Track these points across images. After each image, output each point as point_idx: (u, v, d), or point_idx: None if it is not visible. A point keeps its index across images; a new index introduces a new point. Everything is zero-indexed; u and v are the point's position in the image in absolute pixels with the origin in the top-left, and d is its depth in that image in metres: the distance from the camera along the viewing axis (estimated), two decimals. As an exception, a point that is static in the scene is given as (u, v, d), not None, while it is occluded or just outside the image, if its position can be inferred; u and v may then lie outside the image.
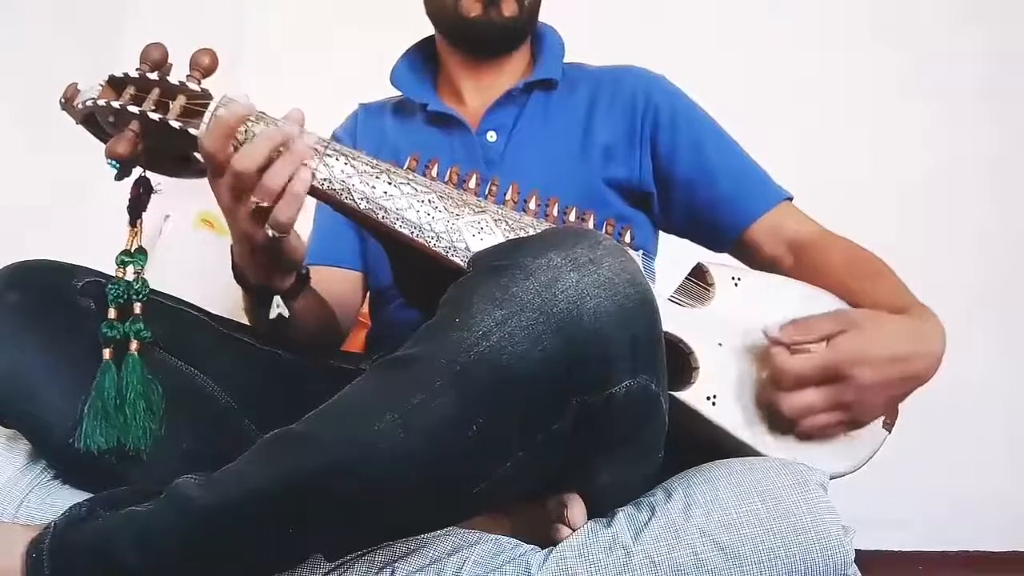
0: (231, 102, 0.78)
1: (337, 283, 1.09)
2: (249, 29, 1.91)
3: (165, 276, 0.91)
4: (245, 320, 0.95)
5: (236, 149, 0.76)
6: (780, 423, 0.80)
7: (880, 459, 0.84)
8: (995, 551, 1.77)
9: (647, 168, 1.07)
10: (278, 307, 0.87)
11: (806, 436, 0.80)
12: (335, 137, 1.19)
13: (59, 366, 0.76)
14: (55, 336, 0.77)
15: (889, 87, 1.88)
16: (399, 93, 1.15)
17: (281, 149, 0.76)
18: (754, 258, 1.04)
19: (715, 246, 1.10)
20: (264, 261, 0.83)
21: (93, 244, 1.02)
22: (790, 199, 1.05)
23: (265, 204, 0.75)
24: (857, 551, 0.72)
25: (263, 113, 0.80)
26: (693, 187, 1.06)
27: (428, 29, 1.16)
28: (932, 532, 1.77)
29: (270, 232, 0.77)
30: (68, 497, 0.74)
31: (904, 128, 1.86)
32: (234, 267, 0.88)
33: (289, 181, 0.76)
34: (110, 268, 0.80)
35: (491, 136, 1.08)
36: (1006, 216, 1.85)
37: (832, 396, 0.79)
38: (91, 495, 0.72)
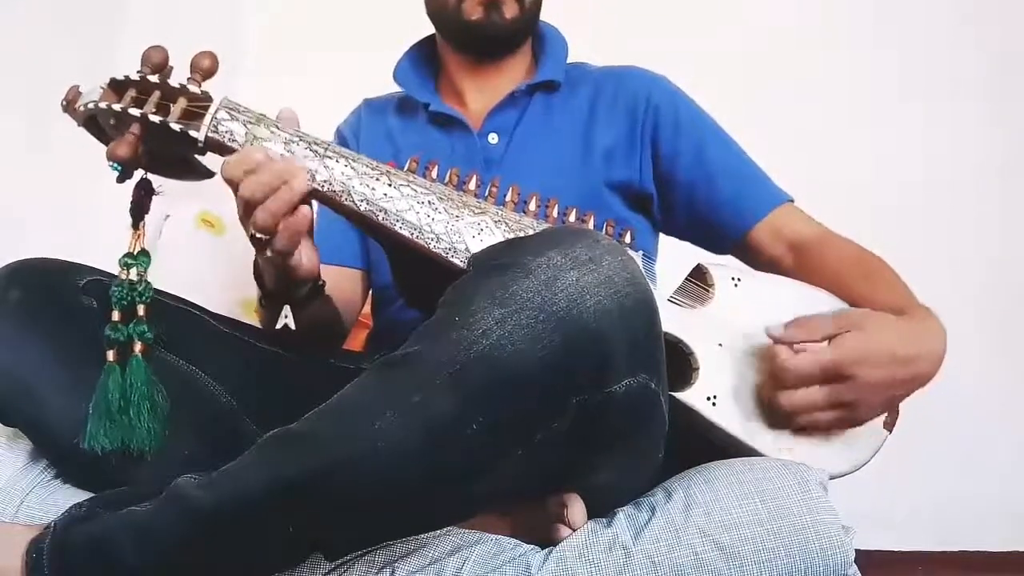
0: (236, 107, 0.78)
1: (339, 281, 1.09)
2: (247, 30, 1.90)
3: (165, 276, 0.91)
4: (245, 319, 0.95)
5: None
6: (779, 420, 0.80)
7: (880, 459, 0.84)
8: (995, 551, 1.77)
9: (648, 170, 1.07)
10: (285, 317, 0.87)
11: (803, 431, 0.81)
12: (339, 134, 1.19)
13: (61, 364, 0.76)
14: (57, 334, 0.76)
15: (890, 87, 1.88)
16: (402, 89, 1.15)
17: (283, 183, 0.75)
18: (755, 259, 1.04)
19: (716, 248, 1.09)
20: (275, 271, 0.84)
21: (93, 244, 1.03)
22: (791, 201, 1.05)
23: (258, 235, 0.76)
24: (857, 551, 0.72)
25: (263, 115, 0.80)
26: (694, 189, 1.06)
27: (429, 28, 1.16)
28: (932, 532, 1.77)
29: (269, 253, 0.77)
30: (68, 497, 0.74)
31: (904, 128, 1.86)
32: (255, 265, 0.88)
33: (288, 215, 0.75)
34: (111, 268, 0.80)
35: (492, 138, 1.08)
36: (1006, 216, 1.85)
37: (833, 395, 0.79)
38: (91, 495, 0.72)
